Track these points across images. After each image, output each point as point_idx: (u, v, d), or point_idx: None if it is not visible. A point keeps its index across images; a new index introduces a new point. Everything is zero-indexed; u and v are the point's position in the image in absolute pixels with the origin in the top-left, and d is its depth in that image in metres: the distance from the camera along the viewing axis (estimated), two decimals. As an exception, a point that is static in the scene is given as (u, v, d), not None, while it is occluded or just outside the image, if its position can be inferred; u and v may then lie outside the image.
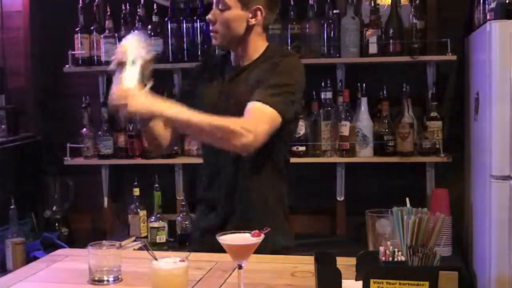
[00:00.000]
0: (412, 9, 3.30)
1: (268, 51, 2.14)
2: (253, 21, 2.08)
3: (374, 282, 1.37)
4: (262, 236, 1.60)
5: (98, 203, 3.73)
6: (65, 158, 3.58)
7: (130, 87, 1.93)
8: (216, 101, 2.11)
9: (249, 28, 2.09)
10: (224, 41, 2.13)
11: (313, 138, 3.34)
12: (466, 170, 3.37)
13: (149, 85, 1.97)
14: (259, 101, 1.97)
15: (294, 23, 3.35)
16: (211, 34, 2.13)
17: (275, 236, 1.82)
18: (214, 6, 2.10)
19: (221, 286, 1.71)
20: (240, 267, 1.59)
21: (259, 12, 2.08)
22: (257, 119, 1.95)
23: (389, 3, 3.37)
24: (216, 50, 3.06)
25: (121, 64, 1.97)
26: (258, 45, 2.14)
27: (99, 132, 3.56)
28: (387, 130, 3.31)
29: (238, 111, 1.98)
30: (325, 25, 3.33)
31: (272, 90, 1.99)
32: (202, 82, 2.22)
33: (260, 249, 1.62)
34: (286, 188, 2.20)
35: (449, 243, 3.15)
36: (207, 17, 2.13)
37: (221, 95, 2.13)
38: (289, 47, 3.34)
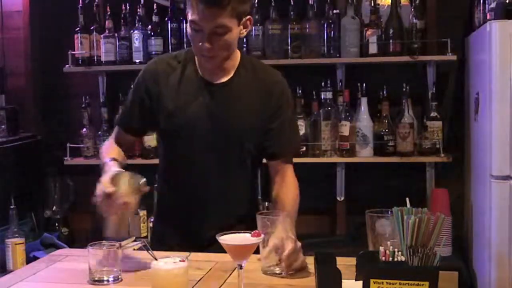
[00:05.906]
0: (412, 9, 3.30)
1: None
2: (244, 32, 1.96)
3: (374, 282, 1.38)
4: (262, 236, 1.60)
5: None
6: (65, 158, 3.58)
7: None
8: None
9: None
10: (219, 62, 1.97)
11: (313, 138, 3.34)
12: (466, 170, 3.37)
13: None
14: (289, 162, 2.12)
15: (294, 23, 3.34)
16: (208, 58, 1.92)
17: None
18: (206, 32, 1.84)
19: (221, 286, 1.71)
20: (240, 267, 1.59)
21: (248, 22, 1.95)
22: None
23: (389, 3, 3.37)
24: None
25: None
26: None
27: (99, 132, 3.56)
28: (387, 130, 3.31)
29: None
30: (325, 25, 3.33)
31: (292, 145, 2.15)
32: None
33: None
34: None
35: (449, 243, 3.15)
36: (203, 46, 1.88)
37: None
38: (289, 47, 3.34)
